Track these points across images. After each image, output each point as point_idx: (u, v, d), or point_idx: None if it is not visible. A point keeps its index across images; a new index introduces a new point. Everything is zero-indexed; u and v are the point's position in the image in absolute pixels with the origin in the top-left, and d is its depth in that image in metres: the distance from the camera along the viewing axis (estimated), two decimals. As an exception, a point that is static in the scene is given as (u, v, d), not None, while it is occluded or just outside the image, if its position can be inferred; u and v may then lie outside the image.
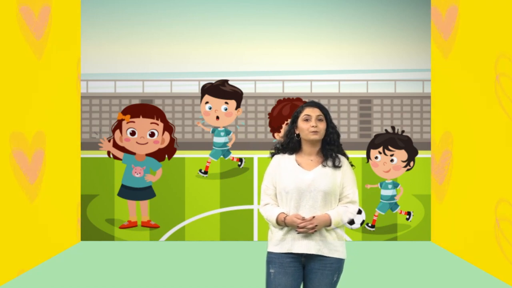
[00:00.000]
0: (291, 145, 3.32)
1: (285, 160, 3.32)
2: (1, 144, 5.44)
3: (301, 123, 3.28)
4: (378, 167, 7.70)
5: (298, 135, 3.30)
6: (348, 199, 3.26)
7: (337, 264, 3.24)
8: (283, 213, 3.23)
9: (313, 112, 3.26)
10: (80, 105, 7.71)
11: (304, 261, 3.24)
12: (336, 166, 3.25)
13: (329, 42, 7.89)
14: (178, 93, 7.87)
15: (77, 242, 7.53)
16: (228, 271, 6.11)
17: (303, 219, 3.16)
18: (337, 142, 3.30)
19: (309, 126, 3.24)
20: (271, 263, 3.26)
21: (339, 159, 3.28)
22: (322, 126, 3.26)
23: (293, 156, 3.32)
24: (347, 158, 3.35)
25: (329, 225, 3.19)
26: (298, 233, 3.18)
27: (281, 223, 3.23)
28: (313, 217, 3.17)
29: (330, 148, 3.27)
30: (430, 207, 7.72)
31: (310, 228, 3.14)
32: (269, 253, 3.30)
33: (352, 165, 3.36)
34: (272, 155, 3.42)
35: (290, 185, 3.22)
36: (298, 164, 3.27)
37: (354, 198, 3.27)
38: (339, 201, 3.27)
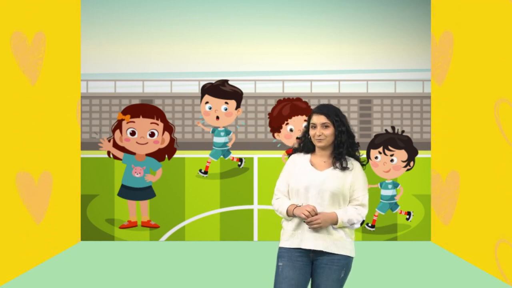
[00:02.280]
0: (306, 147, 3.47)
1: (300, 159, 3.46)
2: (4, 144, 5.45)
3: (310, 129, 3.43)
4: (378, 167, 7.70)
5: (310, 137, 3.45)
6: (358, 201, 3.38)
7: (344, 261, 3.33)
8: (293, 204, 3.35)
9: (319, 120, 3.38)
10: (80, 105, 7.71)
11: (312, 256, 3.35)
12: (344, 168, 3.35)
13: (329, 42, 7.89)
14: (178, 93, 7.87)
15: (77, 242, 7.53)
16: (228, 271, 6.11)
17: (312, 210, 3.25)
18: (346, 144, 3.40)
19: (314, 134, 3.38)
20: (280, 257, 3.38)
21: (347, 161, 3.39)
22: (327, 132, 3.37)
23: (308, 156, 3.46)
24: (359, 160, 3.45)
25: (336, 223, 3.29)
26: (309, 226, 3.30)
27: (290, 213, 3.34)
28: (317, 213, 3.27)
29: (339, 151, 3.38)
30: (430, 207, 7.72)
31: (315, 223, 3.25)
32: (279, 248, 3.41)
33: (363, 164, 3.46)
34: (289, 155, 3.56)
35: (301, 183, 3.35)
36: (312, 164, 3.41)
37: (364, 201, 3.39)
38: (349, 203, 3.38)
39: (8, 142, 5.58)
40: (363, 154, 3.62)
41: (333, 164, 3.38)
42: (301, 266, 3.32)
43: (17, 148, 5.75)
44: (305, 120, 3.57)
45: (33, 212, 6.12)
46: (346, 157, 3.40)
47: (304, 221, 3.29)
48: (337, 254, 3.31)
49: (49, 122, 6.51)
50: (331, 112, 3.40)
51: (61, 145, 6.90)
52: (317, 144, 3.39)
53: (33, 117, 6.11)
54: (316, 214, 3.26)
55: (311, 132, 3.40)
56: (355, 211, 3.33)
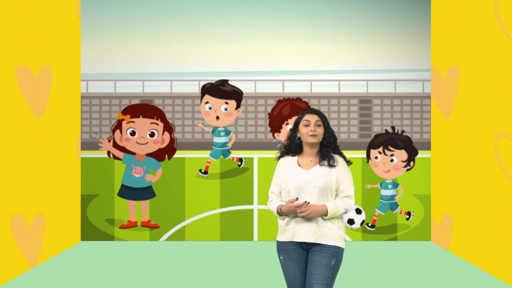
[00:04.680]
0: (293, 147, 3.73)
1: (288, 161, 3.73)
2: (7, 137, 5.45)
3: (301, 128, 3.68)
4: (378, 167, 7.70)
5: (299, 138, 3.71)
6: (344, 193, 3.64)
7: (334, 250, 3.57)
8: (281, 204, 3.65)
9: (312, 118, 3.67)
10: (80, 105, 7.71)
11: (305, 247, 3.61)
12: (331, 165, 3.62)
13: (329, 42, 7.89)
14: (178, 93, 7.87)
15: (77, 242, 7.53)
16: (228, 271, 6.11)
17: (296, 200, 3.56)
18: (333, 145, 3.70)
19: (308, 130, 3.64)
20: (279, 251, 3.69)
21: (334, 159, 3.66)
22: (320, 130, 3.66)
23: (295, 158, 3.73)
24: (344, 157, 3.73)
25: (326, 214, 3.55)
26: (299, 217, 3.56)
27: (280, 212, 3.63)
28: (307, 202, 3.53)
29: (326, 150, 3.67)
30: (430, 207, 7.72)
31: (304, 211, 3.52)
32: (277, 242, 3.72)
33: (349, 163, 3.73)
34: (279, 157, 3.82)
35: (291, 183, 3.63)
36: (299, 165, 3.68)
37: (350, 193, 3.66)
38: (336, 196, 3.65)
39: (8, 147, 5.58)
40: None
41: (320, 162, 3.64)
42: (297, 257, 3.61)
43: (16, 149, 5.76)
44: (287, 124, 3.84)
45: (31, 212, 6.13)
46: (331, 154, 3.67)
47: (296, 213, 3.55)
48: (327, 245, 3.55)
49: (49, 123, 6.52)
50: (322, 114, 3.72)
51: (61, 145, 6.91)
52: (309, 140, 3.62)
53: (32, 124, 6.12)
54: (307, 202, 3.55)
55: (304, 129, 3.64)
56: (343, 202, 3.60)
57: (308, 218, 3.54)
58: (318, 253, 3.54)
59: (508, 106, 5.55)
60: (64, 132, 7.05)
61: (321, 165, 3.63)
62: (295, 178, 3.61)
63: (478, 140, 6.24)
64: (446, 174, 7.24)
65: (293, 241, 3.60)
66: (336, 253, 3.55)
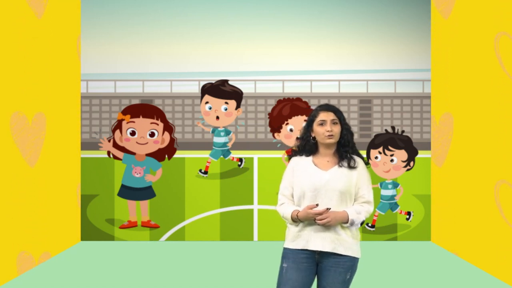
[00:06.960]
0: (308, 147, 3.41)
1: (302, 162, 3.40)
2: (4, 136, 5.45)
3: (316, 127, 3.38)
4: (378, 167, 7.70)
5: (314, 138, 3.40)
6: (364, 199, 3.36)
7: (350, 263, 3.30)
8: (296, 209, 3.30)
9: (328, 117, 3.37)
10: (80, 105, 7.71)
11: (318, 258, 3.31)
12: (351, 167, 3.34)
13: (329, 42, 7.89)
14: (178, 93, 7.87)
15: (77, 242, 7.53)
16: (228, 271, 6.11)
17: (316, 206, 3.22)
18: (351, 143, 3.40)
19: (325, 131, 3.34)
20: (285, 258, 3.34)
21: (354, 160, 3.37)
22: (336, 129, 3.36)
23: (310, 158, 3.41)
24: (362, 158, 3.45)
25: (346, 222, 3.26)
26: (318, 224, 3.23)
27: (296, 219, 3.29)
28: (328, 208, 3.21)
29: (345, 150, 3.37)
30: (430, 207, 7.72)
31: (324, 219, 3.20)
32: (284, 248, 3.38)
33: (367, 164, 3.46)
34: (290, 157, 3.50)
35: (307, 184, 3.30)
36: (315, 165, 3.36)
37: (370, 198, 3.38)
38: (354, 201, 3.36)
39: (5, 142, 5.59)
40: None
41: (338, 163, 3.35)
42: (305, 268, 3.30)
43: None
44: (304, 121, 3.55)
45: (33, 211, 6.12)
46: (350, 155, 3.39)
47: (315, 220, 3.23)
48: (343, 256, 3.28)
49: (50, 122, 6.52)
50: (338, 110, 3.44)
51: (60, 144, 6.91)
52: (326, 141, 3.33)
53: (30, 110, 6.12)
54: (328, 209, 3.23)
55: (320, 129, 3.35)
56: (363, 209, 3.32)
57: (326, 226, 3.22)
58: (333, 268, 3.26)
59: (508, 5, 5.47)
60: (63, 32, 7.00)
61: (340, 166, 3.32)
62: (312, 179, 3.29)
63: (478, 39, 6.13)
64: (445, 75, 7.14)
65: (306, 250, 3.28)
66: (351, 266, 3.29)
